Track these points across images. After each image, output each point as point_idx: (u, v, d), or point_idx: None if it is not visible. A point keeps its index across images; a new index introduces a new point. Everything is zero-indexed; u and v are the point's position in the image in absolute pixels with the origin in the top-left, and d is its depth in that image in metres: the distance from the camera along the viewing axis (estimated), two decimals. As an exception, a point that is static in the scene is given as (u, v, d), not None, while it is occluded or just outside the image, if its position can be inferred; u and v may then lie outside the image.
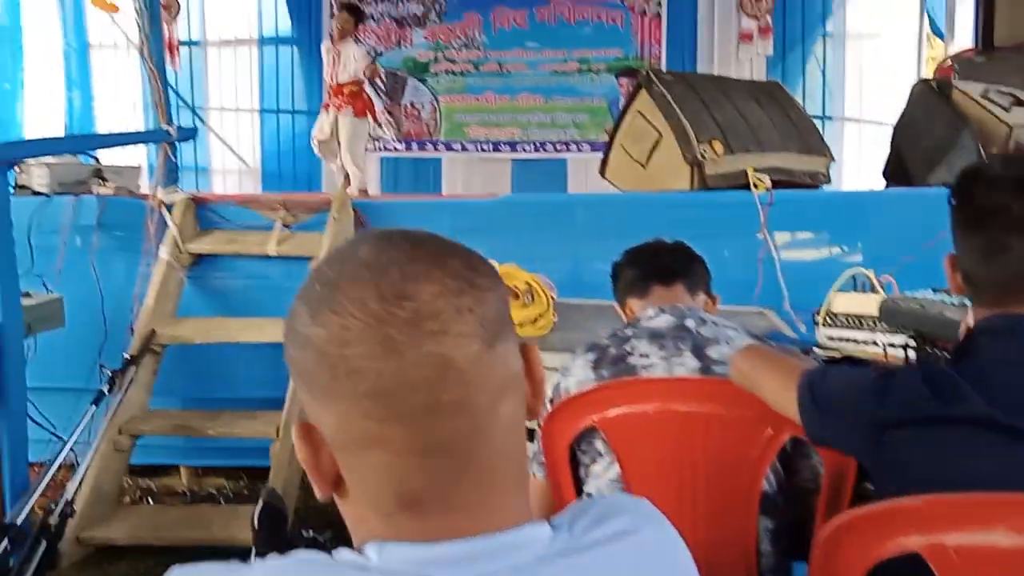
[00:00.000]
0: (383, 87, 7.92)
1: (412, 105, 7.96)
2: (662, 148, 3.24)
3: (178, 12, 7.68)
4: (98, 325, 3.31)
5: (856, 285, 2.22)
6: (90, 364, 3.29)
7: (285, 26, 7.92)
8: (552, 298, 2.39)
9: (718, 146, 3.12)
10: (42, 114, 7.57)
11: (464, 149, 7.97)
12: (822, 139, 3.66)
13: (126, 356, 3.02)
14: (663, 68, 7.50)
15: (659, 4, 7.51)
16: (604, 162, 3.61)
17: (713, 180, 3.16)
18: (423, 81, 7.92)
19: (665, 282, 1.64)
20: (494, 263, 2.00)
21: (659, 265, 1.67)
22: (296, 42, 7.95)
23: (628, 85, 7.58)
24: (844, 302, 2.15)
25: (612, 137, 3.61)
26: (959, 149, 3.33)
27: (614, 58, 7.64)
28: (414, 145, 8.02)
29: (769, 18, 7.36)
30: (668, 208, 3.18)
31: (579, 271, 3.10)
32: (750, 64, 7.45)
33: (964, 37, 5.79)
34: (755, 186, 3.11)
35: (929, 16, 6.68)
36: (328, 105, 5.76)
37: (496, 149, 7.95)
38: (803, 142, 3.44)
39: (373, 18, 7.83)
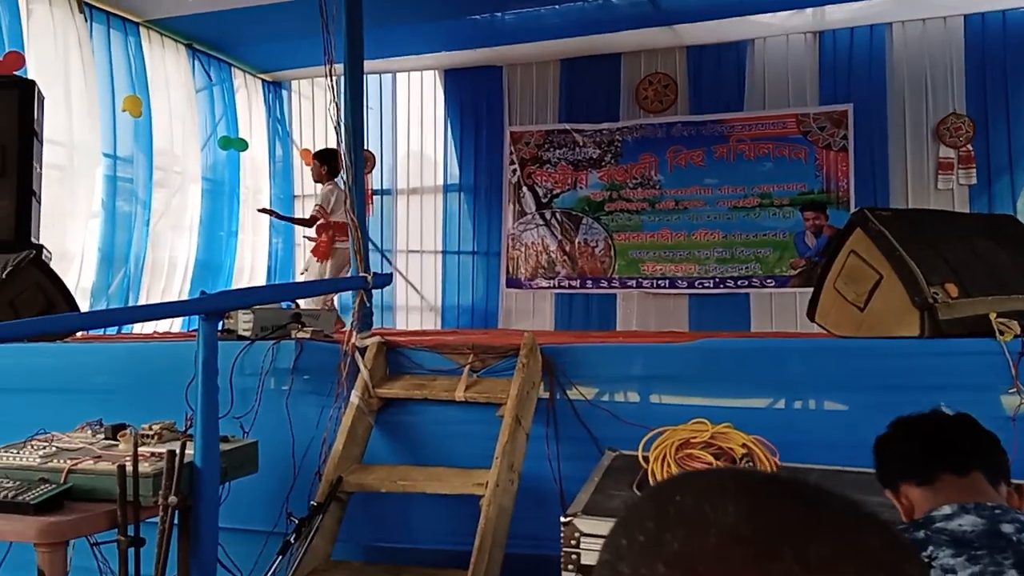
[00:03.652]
0: (558, 226, 8.05)
1: (586, 243, 8.00)
2: (884, 290, 2.92)
3: (373, 166, 8.29)
4: (287, 469, 3.32)
5: None
6: (277, 507, 3.27)
7: (467, 175, 8.33)
8: (775, 464, 2.09)
9: (952, 288, 2.76)
10: (249, 258, 8.26)
11: (639, 285, 7.84)
12: (1075, 278, 3.18)
13: (312, 503, 2.97)
14: (851, 201, 7.15)
15: (845, 137, 7.23)
16: (813, 304, 3.31)
17: (948, 326, 2.78)
18: (597, 220, 7.97)
19: (959, 470, 1.30)
20: (704, 421, 1.74)
21: (948, 446, 1.34)
22: (475, 189, 8.32)
23: (814, 219, 7.27)
24: None
25: (822, 278, 3.32)
26: None
27: (798, 192, 7.36)
28: (588, 282, 7.99)
29: (970, 146, 6.88)
30: (898, 357, 2.80)
31: (796, 429, 2.77)
32: (951, 195, 6.95)
33: None
34: (1000, 333, 2.70)
35: None
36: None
37: (673, 285, 7.76)
38: (1053, 282, 3.00)
39: (550, 162, 8.07)
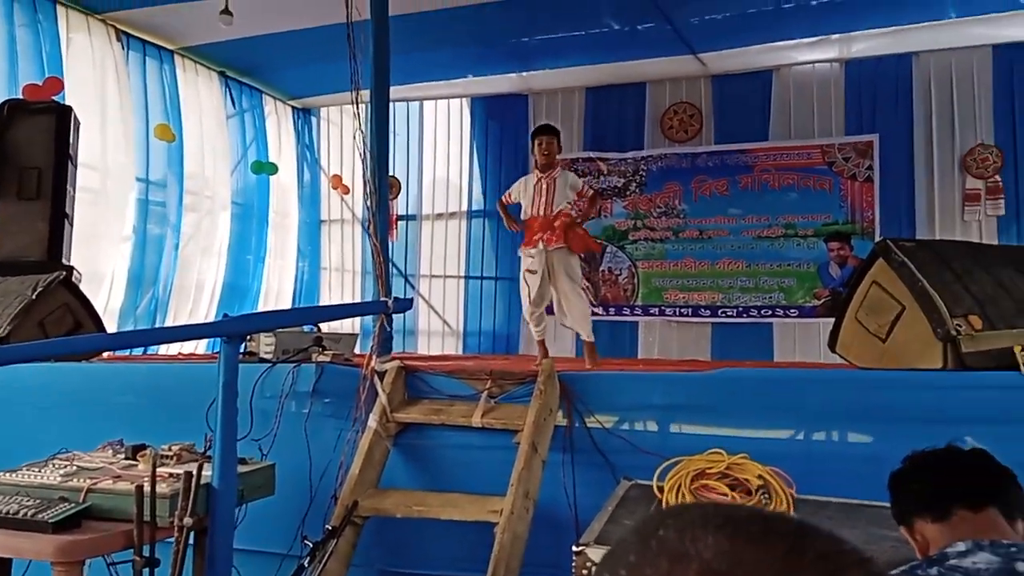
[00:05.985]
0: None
1: (610, 271, 8.00)
2: (906, 322, 2.89)
3: (398, 192, 8.37)
4: (304, 492, 3.32)
5: None
6: (293, 530, 3.27)
7: (492, 201, 8.38)
8: (792, 496, 2.07)
9: (976, 321, 2.72)
10: (276, 282, 8.36)
11: (662, 313, 7.82)
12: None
13: (328, 527, 2.97)
14: (876, 232, 7.09)
15: (870, 168, 7.19)
16: (834, 334, 3.28)
17: (971, 359, 2.74)
18: (622, 248, 7.97)
19: (973, 505, 1.28)
20: (720, 452, 1.72)
21: (962, 482, 1.32)
22: (499, 215, 8.34)
23: (839, 249, 7.22)
24: None
25: (844, 308, 3.30)
26: None
27: (822, 223, 7.33)
28: (611, 309, 7.97)
29: (999, 177, 6.81)
30: (920, 389, 2.76)
31: (816, 461, 2.73)
32: (978, 227, 6.87)
33: None
34: (1025, 367, 2.66)
35: None
36: (537, 241, 4.71)
37: (696, 314, 7.73)
38: (1081, 317, 2.95)
39: (575, 191, 8.09)
